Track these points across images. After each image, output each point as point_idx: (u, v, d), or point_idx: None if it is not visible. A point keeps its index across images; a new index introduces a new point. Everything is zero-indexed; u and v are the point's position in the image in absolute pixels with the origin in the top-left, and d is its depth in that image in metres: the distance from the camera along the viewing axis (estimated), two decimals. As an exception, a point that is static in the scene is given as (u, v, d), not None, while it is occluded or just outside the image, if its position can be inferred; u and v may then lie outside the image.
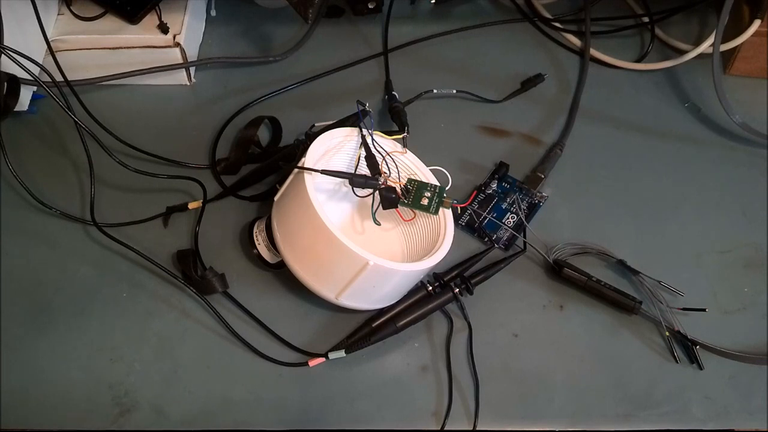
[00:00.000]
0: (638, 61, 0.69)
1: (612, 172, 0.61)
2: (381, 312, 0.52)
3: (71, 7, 0.64)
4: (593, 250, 0.56)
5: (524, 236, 0.56)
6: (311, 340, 0.52)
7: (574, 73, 0.68)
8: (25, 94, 0.61)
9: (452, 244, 0.51)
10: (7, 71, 0.56)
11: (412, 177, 0.54)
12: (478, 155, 0.62)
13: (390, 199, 0.50)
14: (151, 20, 0.63)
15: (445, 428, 0.49)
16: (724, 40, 0.63)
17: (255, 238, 0.53)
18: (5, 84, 0.56)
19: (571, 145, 0.62)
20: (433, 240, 0.52)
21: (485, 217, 0.58)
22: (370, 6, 0.69)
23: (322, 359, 0.50)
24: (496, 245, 0.57)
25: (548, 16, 0.71)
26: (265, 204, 0.58)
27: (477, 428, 0.49)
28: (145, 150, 0.59)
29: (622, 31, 0.71)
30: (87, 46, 0.62)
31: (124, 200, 0.59)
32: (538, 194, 0.59)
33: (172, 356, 0.52)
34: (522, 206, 0.58)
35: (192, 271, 0.54)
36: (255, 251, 0.53)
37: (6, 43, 0.54)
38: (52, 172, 0.60)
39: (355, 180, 0.49)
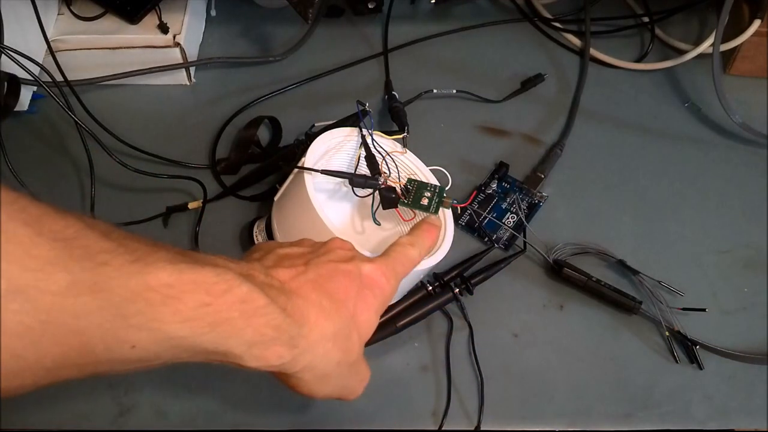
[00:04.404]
0: (638, 61, 0.69)
1: (612, 172, 0.61)
2: (381, 312, 0.52)
3: (71, 7, 0.64)
4: (593, 250, 0.56)
5: (524, 236, 0.56)
6: (311, 340, 0.52)
7: (574, 73, 0.68)
8: (25, 94, 0.61)
9: (452, 244, 0.51)
10: (7, 71, 0.56)
11: (412, 177, 0.54)
12: (478, 155, 0.62)
13: (390, 199, 0.50)
14: (151, 20, 0.63)
15: (444, 428, 0.49)
16: (724, 40, 0.63)
17: (255, 238, 0.53)
18: (5, 84, 0.56)
19: (571, 145, 0.62)
20: (433, 240, 0.52)
21: (485, 217, 0.58)
22: (370, 6, 0.69)
23: (322, 359, 0.50)
24: (496, 245, 0.57)
25: (548, 16, 0.71)
26: (265, 204, 0.58)
27: (480, 427, 0.49)
28: (145, 150, 0.59)
29: (622, 31, 0.71)
30: (87, 46, 0.62)
31: (124, 200, 0.59)
32: (538, 194, 0.59)
33: (172, 356, 0.52)
34: (522, 206, 0.58)
35: (192, 271, 0.53)
36: (255, 251, 0.53)
37: (6, 42, 0.54)
38: (52, 172, 0.60)
39: (355, 180, 0.49)
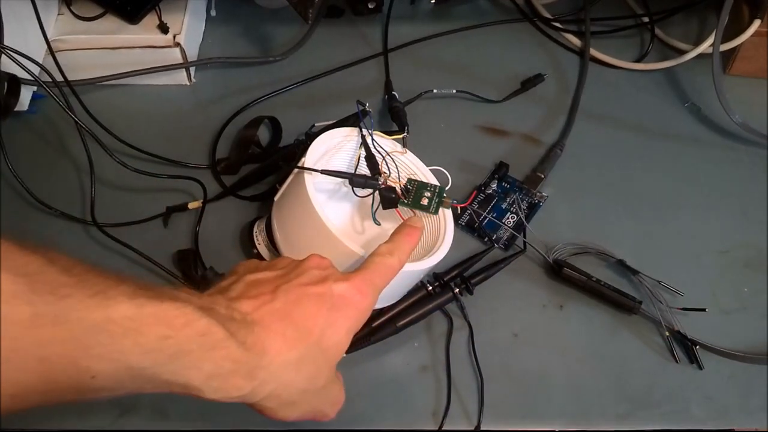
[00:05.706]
0: (638, 61, 0.69)
1: (612, 172, 0.61)
2: (381, 312, 0.52)
3: (71, 7, 0.64)
4: (593, 250, 0.56)
5: (524, 236, 0.57)
6: (311, 340, 0.52)
7: (574, 73, 0.68)
8: (26, 94, 0.61)
9: (452, 244, 0.51)
10: (7, 71, 0.56)
11: (412, 177, 0.54)
12: (478, 155, 0.62)
13: (390, 199, 0.50)
14: (151, 20, 0.63)
15: (444, 428, 0.49)
16: (724, 40, 0.63)
17: (255, 238, 0.53)
18: (5, 84, 0.56)
19: (571, 145, 0.62)
20: (433, 240, 0.52)
21: (485, 217, 0.58)
22: (370, 6, 0.69)
23: (322, 359, 0.50)
24: (495, 245, 0.57)
25: (548, 16, 0.71)
26: (265, 204, 0.59)
27: (480, 427, 0.49)
28: (145, 150, 0.59)
29: (621, 31, 0.71)
30: (87, 46, 0.63)
31: (125, 200, 0.59)
32: (537, 194, 0.59)
33: (172, 356, 0.52)
34: (522, 206, 0.58)
35: (192, 271, 0.54)
36: (255, 251, 0.53)
37: (6, 43, 0.54)
38: (52, 172, 0.60)
39: (355, 180, 0.49)
